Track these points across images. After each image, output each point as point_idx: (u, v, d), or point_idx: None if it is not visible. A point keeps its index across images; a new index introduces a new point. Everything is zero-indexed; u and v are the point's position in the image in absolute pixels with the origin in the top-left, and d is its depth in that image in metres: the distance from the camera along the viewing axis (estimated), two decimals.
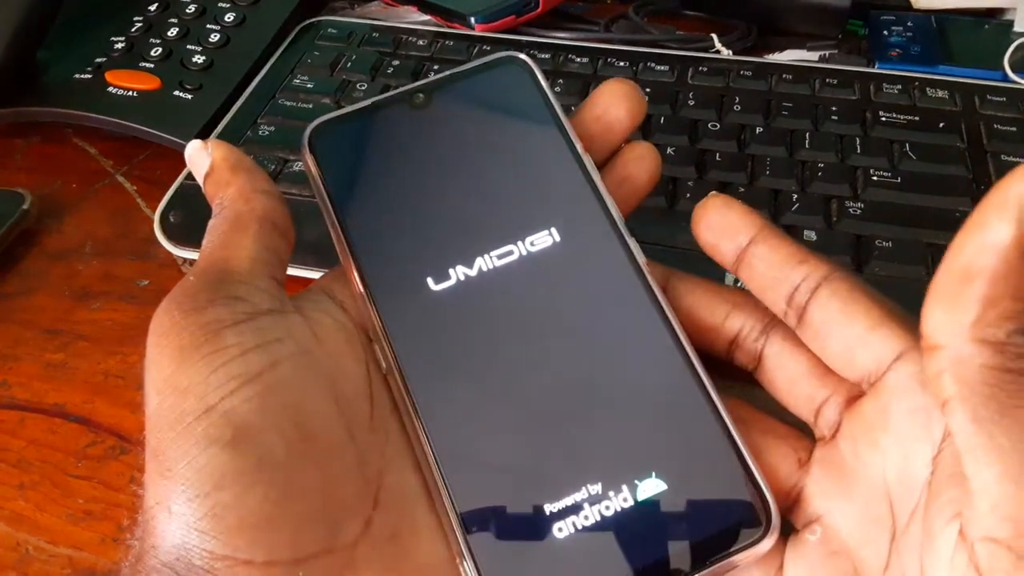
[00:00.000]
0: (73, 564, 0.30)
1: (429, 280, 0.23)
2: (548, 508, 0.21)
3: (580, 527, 0.21)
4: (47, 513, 0.31)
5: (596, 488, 0.21)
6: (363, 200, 0.25)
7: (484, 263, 0.24)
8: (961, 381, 0.17)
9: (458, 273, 0.23)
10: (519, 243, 0.24)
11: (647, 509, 0.21)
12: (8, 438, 0.34)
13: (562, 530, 0.21)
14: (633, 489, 0.21)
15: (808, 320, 0.22)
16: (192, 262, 0.40)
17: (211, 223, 0.25)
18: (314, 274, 0.35)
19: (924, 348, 0.18)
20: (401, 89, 0.26)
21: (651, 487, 0.21)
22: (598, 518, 0.21)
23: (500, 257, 0.24)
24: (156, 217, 0.39)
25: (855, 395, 0.22)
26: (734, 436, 0.21)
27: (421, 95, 0.26)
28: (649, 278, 0.23)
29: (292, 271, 0.33)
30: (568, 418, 0.22)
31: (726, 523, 0.21)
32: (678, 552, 0.21)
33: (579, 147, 0.25)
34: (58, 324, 0.38)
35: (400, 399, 0.23)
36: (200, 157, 0.26)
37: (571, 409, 0.22)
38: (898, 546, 0.20)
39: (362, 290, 0.24)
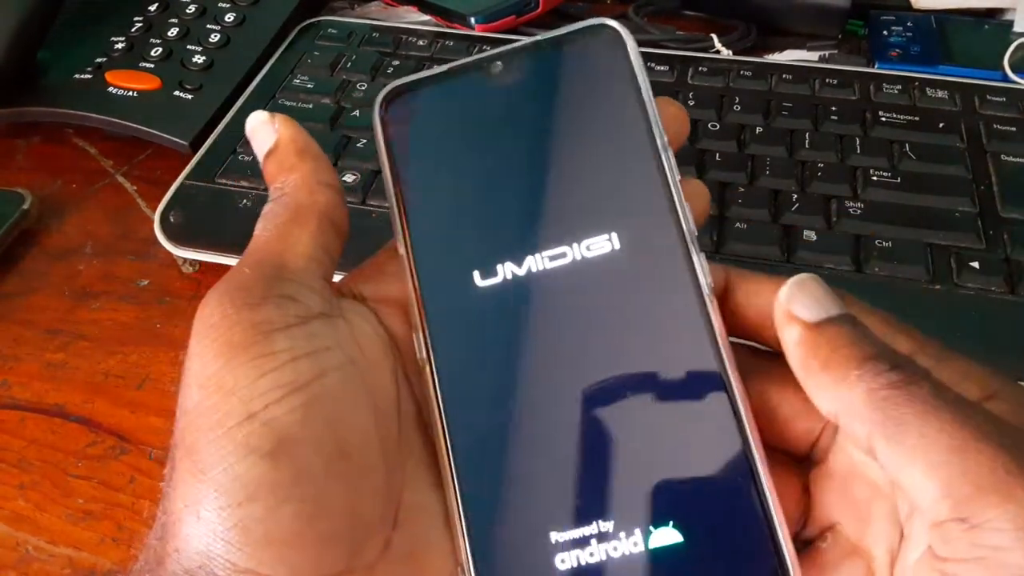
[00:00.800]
0: (73, 564, 0.30)
1: (476, 275, 0.22)
2: (555, 537, 0.20)
3: (583, 563, 0.20)
4: (47, 513, 0.31)
5: (607, 526, 0.20)
6: (425, 174, 0.24)
7: (535, 263, 0.22)
8: (863, 419, 0.19)
9: (506, 271, 0.22)
10: (575, 245, 0.22)
11: (656, 559, 0.20)
12: (8, 438, 0.34)
13: (564, 562, 0.20)
14: (645, 535, 0.20)
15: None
16: (192, 262, 0.40)
17: (268, 208, 0.24)
18: None
19: (831, 419, 0.20)
20: (481, 55, 0.24)
21: (665, 537, 0.20)
22: (603, 558, 0.20)
23: (552, 259, 0.22)
24: (156, 217, 0.39)
25: None
26: (768, 500, 0.20)
27: (500, 63, 0.24)
28: (710, 306, 0.21)
29: None
30: (594, 446, 0.21)
31: None
32: None
33: (661, 140, 0.22)
34: (58, 324, 0.38)
35: (428, 394, 0.22)
36: (264, 131, 0.24)
37: (599, 437, 0.21)
38: (904, 537, 0.20)
39: (409, 275, 0.23)
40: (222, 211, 0.40)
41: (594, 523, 0.20)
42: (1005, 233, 0.36)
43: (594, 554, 0.20)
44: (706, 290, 0.21)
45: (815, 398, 0.20)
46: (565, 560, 0.20)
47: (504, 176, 0.23)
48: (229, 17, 0.50)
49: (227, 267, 0.37)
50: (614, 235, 0.22)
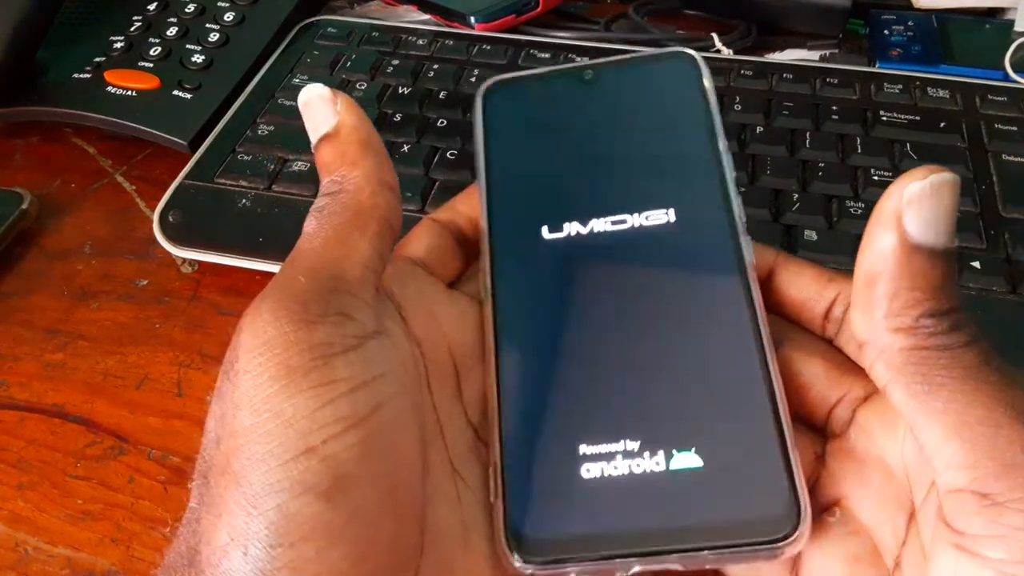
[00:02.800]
0: (72, 564, 0.29)
1: (544, 228, 0.26)
2: (583, 448, 0.22)
3: (607, 474, 0.22)
4: (46, 513, 0.31)
5: (633, 445, 0.22)
6: (512, 152, 0.27)
7: (597, 225, 0.25)
8: (890, 366, 0.19)
9: (571, 228, 0.25)
10: (636, 214, 0.25)
11: (676, 479, 0.21)
12: (7, 438, 0.33)
13: (589, 471, 0.22)
14: (668, 457, 0.22)
15: (847, 326, 0.23)
16: (191, 262, 0.40)
17: (323, 203, 0.22)
18: None
19: (858, 348, 0.20)
20: (574, 64, 0.29)
21: (686, 460, 0.22)
22: (626, 472, 0.22)
23: (614, 223, 0.25)
24: (155, 217, 0.39)
25: (871, 392, 0.22)
26: (787, 439, 0.21)
27: (591, 72, 0.28)
28: (750, 277, 0.24)
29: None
30: (628, 376, 0.23)
31: (753, 517, 0.21)
32: (694, 528, 0.21)
33: (724, 144, 0.26)
34: (57, 324, 0.38)
35: (486, 325, 0.24)
36: (323, 109, 0.23)
37: (634, 370, 0.23)
38: (916, 521, 0.20)
39: (484, 227, 0.26)
40: (221, 211, 0.39)
41: (622, 441, 0.22)
42: (1006, 233, 0.36)
43: (618, 467, 0.22)
44: (748, 263, 0.24)
45: (857, 314, 0.20)
46: (591, 470, 0.22)
47: (580, 158, 0.27)
48: (228, 16, 0.50)
49: (226, 267, 0.38)
50: (671, 210, 0.25)
